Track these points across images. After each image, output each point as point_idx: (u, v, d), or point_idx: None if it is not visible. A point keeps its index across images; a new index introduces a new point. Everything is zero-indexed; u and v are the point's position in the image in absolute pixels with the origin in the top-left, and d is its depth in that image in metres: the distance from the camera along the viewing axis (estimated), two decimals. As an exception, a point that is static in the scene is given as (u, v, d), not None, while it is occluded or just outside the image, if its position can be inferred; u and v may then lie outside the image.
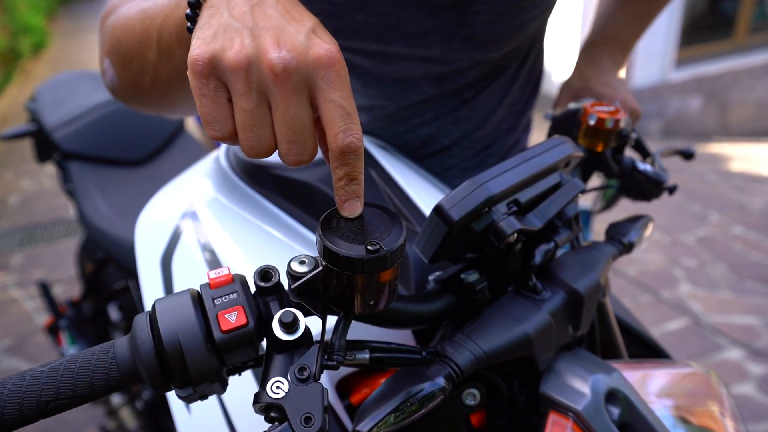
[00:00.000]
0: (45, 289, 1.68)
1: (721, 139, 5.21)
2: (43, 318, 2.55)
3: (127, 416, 1.59)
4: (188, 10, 0.45)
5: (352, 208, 0.42)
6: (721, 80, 5.21)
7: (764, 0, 5.34)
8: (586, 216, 0.99)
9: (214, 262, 0.69)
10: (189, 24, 0.45)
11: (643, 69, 4.87)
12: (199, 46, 0.41)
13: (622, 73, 0.97)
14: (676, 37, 4.91)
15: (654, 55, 4.86)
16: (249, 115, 0.41)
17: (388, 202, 0.71)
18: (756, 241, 3.07)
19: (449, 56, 0.84)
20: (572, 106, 0.74)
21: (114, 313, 1.48)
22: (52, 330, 1.62)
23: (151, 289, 0.70)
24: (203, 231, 0.73)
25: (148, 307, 0.68)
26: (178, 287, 0.69)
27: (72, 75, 1.64)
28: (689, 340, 2.30)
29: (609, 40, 0.95)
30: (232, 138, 0.43)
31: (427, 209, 0.72)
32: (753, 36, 5.39)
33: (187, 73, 0.42)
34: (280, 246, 0.69)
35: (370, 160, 0.78)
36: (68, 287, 2.72)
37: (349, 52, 0.84)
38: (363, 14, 0.79)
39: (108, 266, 1.46)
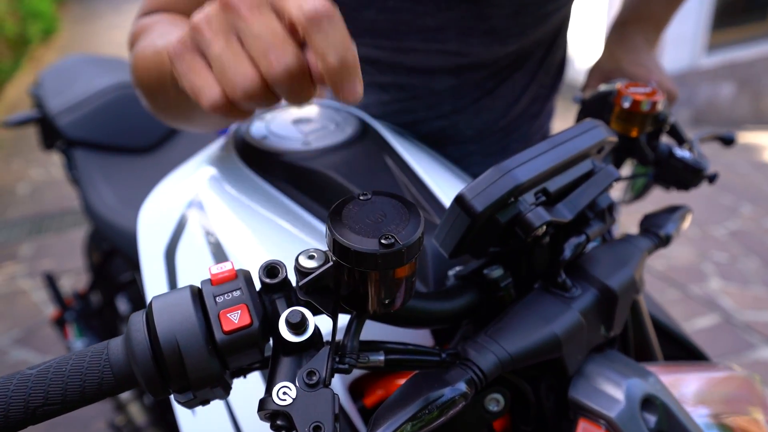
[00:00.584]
0: (51, 281, 1.68)
1: (754, 127, 5.12)
2: (52, 309, 2.57)
3: (135, 412, 1.60)
4: None
5: (351, 91, 0.40)
6: (755, 66, 5.13)
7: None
8: None
9: (220, 255, 0.67)
10: None
11: (672, 54, 4.79)
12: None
13: (655, 53, 0.93)
14: (708, 20, 4.82)
15: (683, 39, 4.78)
16: (222, 55, 0.41)
17: (405, 192, 0.69)
18: (791, 234, 3.01)
19: (467, 50, 0.82)
20: (603, 87, 0.71)
21: (123, 305, 1.49)
22: (59, 323, 1.63)
23: (154, 284, 0.68)
24: (209, 222, 0.71)
25: (150, 299, 0.67)
26: (182, 281, 0.67)
27: (77, 59, 1.63)
28: (719, 338, 2.26)
29: (642, 18, 0.93)
30: (224, 99, 0.42)
31: (446, 200, 0.70)
32: (789, 19, 5.28)
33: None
34: (290, 238, 0.67)
35: (386, 147, 0.76)
36: (78, 278, 2.74)
37: (359, 45, 0.82)
38: (373, 12, 0.77)
39: (115, 257, 1.45)
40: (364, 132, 0.78)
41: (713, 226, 3.09)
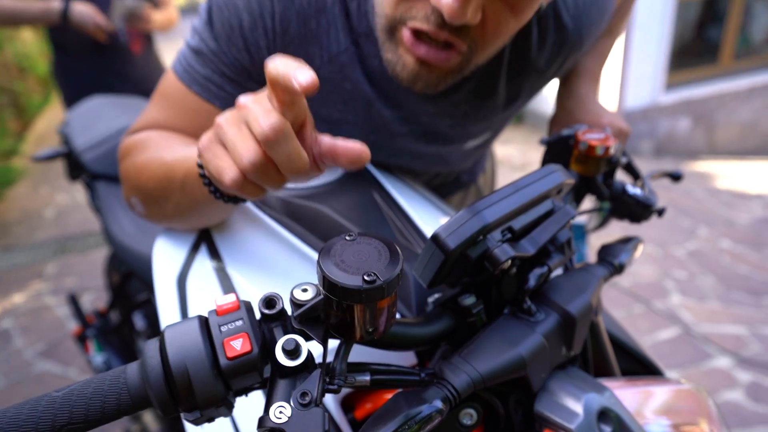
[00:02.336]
0: (73, 301, 1.68)
1: (708, 157, 5.18)
2: (74, 324, 2.56)
3: (149, 420, 1.58)
4: (198, 160, 0.57)
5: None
6: (707, 103, 5.19)
7: (747, 28, 5.33)
8: (582, 231, 0.98)
9: (226, 282, 0.68)
10: (201, 170, 0.57)
11: (635, 92, 4.86)
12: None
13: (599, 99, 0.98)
14: (666, 62, 4.90)
15: (645, 79, 4.85)
16: (234, 138, 0.47)
17: (391, 225, 0.70)
18: (743, 254, 3.03)
19: (428, 171, 0.96)
20: (565, 132, 0.73)
21: (139, 322, 1.48)
22: (80, 339, 1.62)
23: (166, 309, 0.69)
24: (217, 252, 0.72)
25: (164, 323, 0.67)
26: (192, 306, 0.68)
27: (100, 101, 1.64)
28: (680, 349, 2.26)
29: (580, 73, 0.97)
30: (240, 175, 0.48)
31: (428, 230, 0.71)
32: (737, 62, 5.37)
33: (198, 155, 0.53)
34: (287, 268, 0.68)
35: (374, 183, 0.77)
36: (99, 295, 2.72)
37: None
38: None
39: (132, 279, 1.45)
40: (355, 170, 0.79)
41: (673, 246, 3.11)
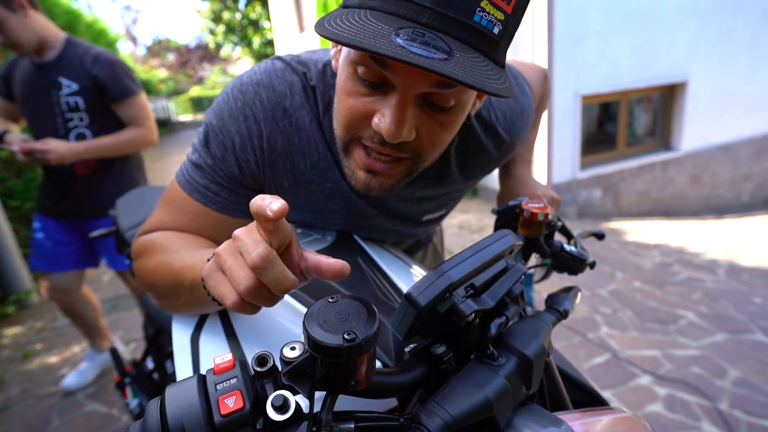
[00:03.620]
0: (115, 354, 1.56)
1: (617, 218, 5.24)
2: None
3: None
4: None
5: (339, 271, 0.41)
6: (612, 177, 5.32)
7: (632, 125, 5.57)
8: (529, 279, 0.93)
9: (231, 338, 0.61)
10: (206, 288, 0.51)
11: (559, 170, 4.98)
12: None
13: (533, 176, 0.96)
14: (579, 149, 5.05)
15: (566, 161, 4.99)
16: (232, 266, 0.43)
17: (373, 284, 0.65)
18: (650, 291, 2.99)
19: (401, 241, 0.93)
20: (512, 202, 0.70)
21: (171, 368, 1.37)
22: (119, 386, 1.49)
23: (182, 362, 0.61)
24: (224, 314, 0.65)
25: (179, 377, 0.60)
26: (203, 359, 0.60)
27: (143, 189, 1.60)
28: (611, 371, 2.17)
29: (516, 160, 0.96)
30: (238, 299, 0.43)
31: (404, 286, 0.65)
32: (629, 148, 5.58)
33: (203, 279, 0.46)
34: (283, 324, 0.61)
35: (358, 249, 0.73)
36: (141, 344, 2.57)
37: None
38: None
39: (162, 333, 1.36)
40: (342, 239, 0.75)
41: (598, 288, 3.06)
